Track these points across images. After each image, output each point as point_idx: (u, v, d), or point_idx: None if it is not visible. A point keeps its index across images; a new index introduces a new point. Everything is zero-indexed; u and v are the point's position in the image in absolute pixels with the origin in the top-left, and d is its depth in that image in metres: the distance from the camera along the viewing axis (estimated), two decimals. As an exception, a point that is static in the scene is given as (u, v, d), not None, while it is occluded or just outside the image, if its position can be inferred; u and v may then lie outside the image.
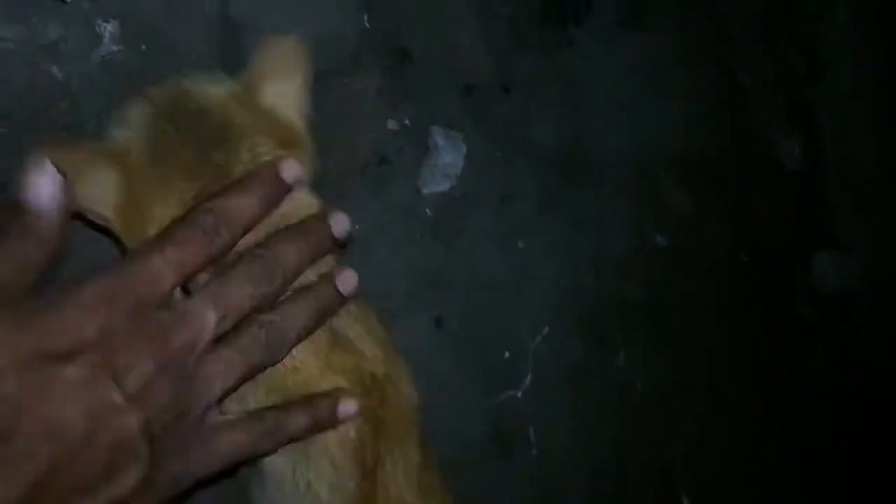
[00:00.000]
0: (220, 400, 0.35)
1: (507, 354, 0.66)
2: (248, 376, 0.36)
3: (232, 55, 0.51)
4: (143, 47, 0.48)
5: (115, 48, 0.47)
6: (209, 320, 0.33)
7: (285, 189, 0.39)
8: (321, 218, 0.39)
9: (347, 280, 0.39)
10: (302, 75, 0.42)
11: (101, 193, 0.35)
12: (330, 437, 0.39)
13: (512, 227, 0.67)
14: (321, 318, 0.39)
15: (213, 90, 0.40)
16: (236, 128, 0.38)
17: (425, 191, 0.62)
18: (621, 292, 0.72)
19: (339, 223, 0.39)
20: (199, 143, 0.37)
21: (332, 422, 0.38)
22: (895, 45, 0.90)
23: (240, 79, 0.42)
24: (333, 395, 0.38)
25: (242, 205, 0.36)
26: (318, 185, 0.43)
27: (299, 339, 0.38)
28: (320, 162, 0.44)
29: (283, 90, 0.41)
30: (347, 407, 0.38)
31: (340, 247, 0.41)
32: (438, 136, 0.62)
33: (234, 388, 0.36)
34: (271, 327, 0.36)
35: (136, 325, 0.31)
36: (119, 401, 0.29)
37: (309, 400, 0.37)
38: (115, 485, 0.30)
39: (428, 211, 0.62)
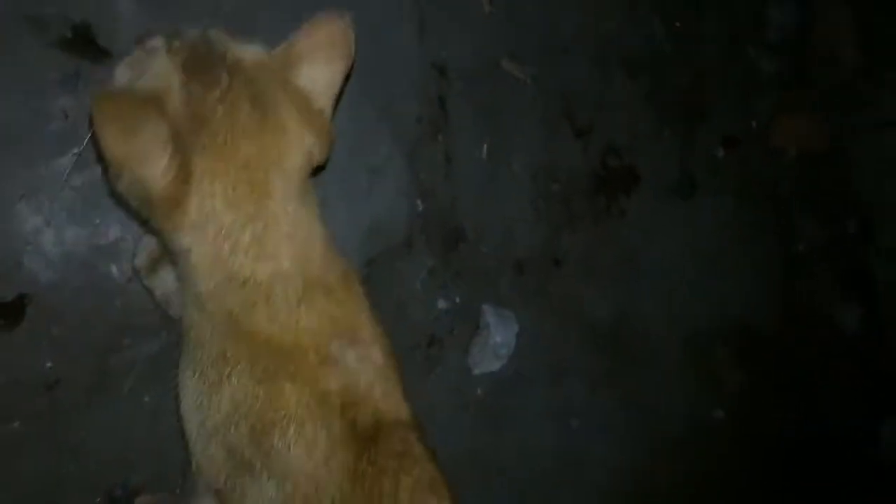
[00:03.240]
0: None
1: (558, 541, 0.62)
2: None
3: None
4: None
5: (172, 245, 0.47)
6: None
7: None
8: None
9: None
10: (345, 63, 0.38)
11: (154, 150, 0.33)
12: None
13: (564, 407, 0.64)
14: None
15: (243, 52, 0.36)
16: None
17: (476, 371, 0.60)
18: (677, 471, 0.68)
19: None
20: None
21: None
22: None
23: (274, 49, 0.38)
24: None
25: None
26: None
27: None
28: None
29: (321, 75, 0.38)
30: None
31: None
32: (489, 314, 0.60)
33: None
34: None
35: None
36: None
37: None
38: None
39: (479, 391, 0.60)
